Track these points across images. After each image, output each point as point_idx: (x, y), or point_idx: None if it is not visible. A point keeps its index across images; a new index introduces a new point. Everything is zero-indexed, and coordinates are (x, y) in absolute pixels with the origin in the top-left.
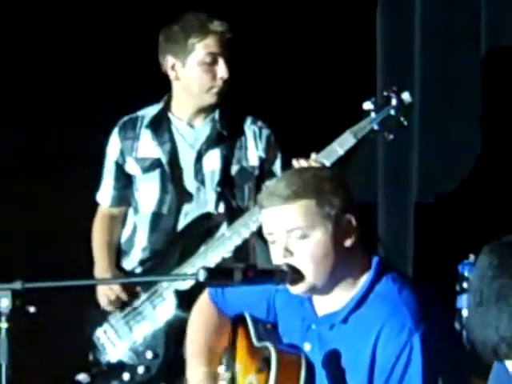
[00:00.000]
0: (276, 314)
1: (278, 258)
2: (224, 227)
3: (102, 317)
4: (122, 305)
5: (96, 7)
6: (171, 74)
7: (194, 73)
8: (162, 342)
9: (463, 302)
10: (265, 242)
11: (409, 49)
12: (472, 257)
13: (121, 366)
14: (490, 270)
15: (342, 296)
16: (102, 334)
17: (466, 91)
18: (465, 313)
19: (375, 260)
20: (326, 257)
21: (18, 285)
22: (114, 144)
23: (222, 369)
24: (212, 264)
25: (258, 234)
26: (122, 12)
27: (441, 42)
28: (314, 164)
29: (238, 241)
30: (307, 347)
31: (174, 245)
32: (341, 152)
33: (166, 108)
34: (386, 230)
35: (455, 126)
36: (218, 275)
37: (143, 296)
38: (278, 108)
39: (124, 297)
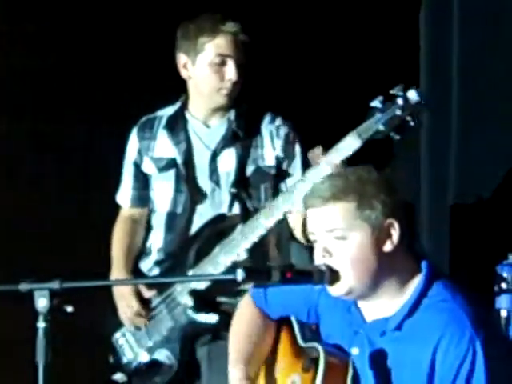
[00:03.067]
0: (318, 317)
1: (317, 258)
2: (238, 229)
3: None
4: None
5: (111, 10)
6: (183, 73)
7: (203, 73)
8: (177, 344)
9: (502, 302)
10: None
11: (448, 50)
12: (511, 257)
13: (157, 366)
14: None
15: (391, 302)
16: (120, 337)
17: (505, 93)
18: (504, 313)
19: (425, 265)
20: (364, 260)
21: (56, 284)
22: (132, 144)
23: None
24: (223, 267)
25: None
26: (139, 15)
27: (480, 44)
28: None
29: (248, 243)
30: (355, 351)
31: (188, 246)
32: (345, 154)
33: (184, 107)
34: (425, 230)
35: (493, 127)
36: (256, 275)
37: (158, 299)
38: (305, 108)
39: (144, 314)
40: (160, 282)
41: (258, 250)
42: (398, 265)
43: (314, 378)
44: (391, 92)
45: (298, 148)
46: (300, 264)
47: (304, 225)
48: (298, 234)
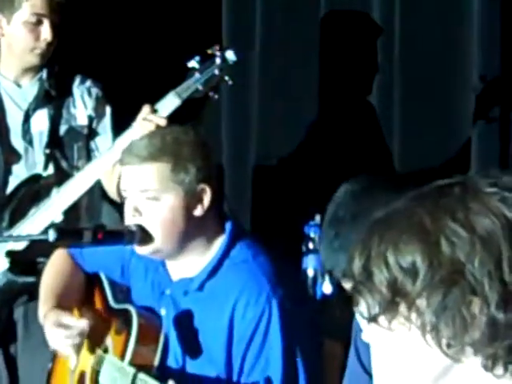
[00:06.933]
0: (130, 277)
1: (127, 216)
2: (54, 189)
3: None
4: None
5: None
6: None
7: (18, 31)
8: None
9: (309, 262)
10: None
11: (251, 13)
12: (318, 218)
13: None
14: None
15: (196, 261)
16: None
17: (303, 57)
18: (310, 273)
19: (228, 226)
20: (173, 222)
21: None
22: None
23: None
24: (41, 227)
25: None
26: None
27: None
28: (155, 119)
29: (66, 203)
30: (163, 312)
31: (3, 207)
32: (164, 114)
33: None
34: (230, 192)
35: (294, 88)
36: (68, 235)
37: None
38: (112, 67)
39: None
40: None
41: (72, 211)
42: (205, 227)
43: (127, 341)
44: (209, 52)
45: (108, 108)
46: (111, 224)
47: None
48: (113, 193)
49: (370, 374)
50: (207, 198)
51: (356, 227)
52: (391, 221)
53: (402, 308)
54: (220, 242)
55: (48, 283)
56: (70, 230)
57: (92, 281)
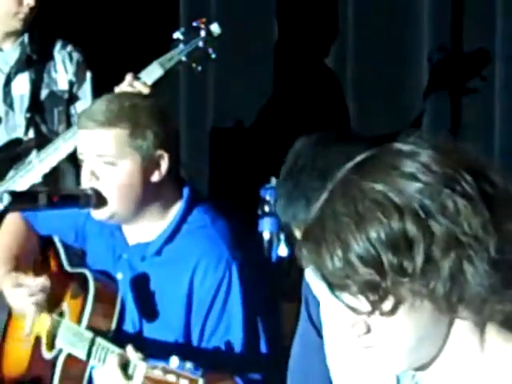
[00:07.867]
0: (85, 241)
1: (84, 180)
2: (33, 153)
3: None
4: None
5: None
6: None
7: None
8: None
9: (265, 225)
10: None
11: None
12: (273, 180)
13: None
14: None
15: (153, 226)
16: None
17: (260, 21)
18: (266, 235)
19: (186, 191)
20: (130, 187)
21: None
22: None
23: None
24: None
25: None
26: None
27: None
28: (137, 87)
29: (46, 168)
30: (119, 276)
31: None
32: (148, 83)
33: None
34: (187, 155)
35: (251, 51)
36: (23, 199)
37: None
38: (92, 33)
39: None
40: None
41: (51, 174)
42: (161, 192)
43: (84, 305)
44: (194, 24)
45: (88, 73)
46: (69, 186)
47: None
48: None
49: (322, 337)
50: (165, 164)
51: (316, 174)
52: (340, 213)
53: (405, 287)
54: (177, 207)
55: (1, 245)
56: (24, 194)
57: (45, 244)
